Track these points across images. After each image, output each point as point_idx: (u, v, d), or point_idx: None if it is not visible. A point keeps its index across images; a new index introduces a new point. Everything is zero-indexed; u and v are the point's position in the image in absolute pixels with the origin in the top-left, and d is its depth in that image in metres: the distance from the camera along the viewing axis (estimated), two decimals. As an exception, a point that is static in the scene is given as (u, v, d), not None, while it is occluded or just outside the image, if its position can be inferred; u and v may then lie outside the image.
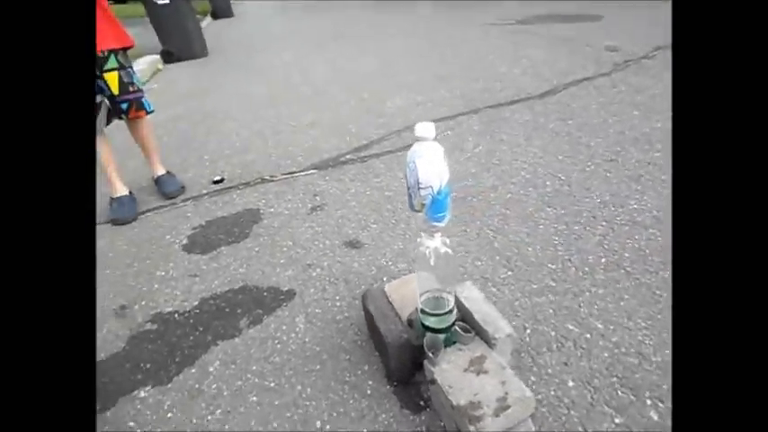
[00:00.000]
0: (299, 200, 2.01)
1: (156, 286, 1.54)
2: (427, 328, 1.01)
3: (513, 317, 1.23)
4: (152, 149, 2.20)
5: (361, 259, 1.55)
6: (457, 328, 1.02)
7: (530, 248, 1.49)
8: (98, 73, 1.82)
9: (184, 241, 1.79)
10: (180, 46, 5.46)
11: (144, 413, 1.10)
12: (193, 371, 1.20)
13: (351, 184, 2.10)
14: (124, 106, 1.95)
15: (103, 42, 1.79)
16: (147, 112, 2.05)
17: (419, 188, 0.91)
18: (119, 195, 2.05)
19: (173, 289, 1.52)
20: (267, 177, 2.26)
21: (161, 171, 2.23)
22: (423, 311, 1.01)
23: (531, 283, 1.35)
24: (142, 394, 1.15)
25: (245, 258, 1.63)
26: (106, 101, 1.94)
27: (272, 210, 1.95)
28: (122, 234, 1.90)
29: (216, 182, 2.29)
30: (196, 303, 1.44)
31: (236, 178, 2.30)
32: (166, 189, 2.16)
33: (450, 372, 0.95)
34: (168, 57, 5.49)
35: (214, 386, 1.15)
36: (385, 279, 1.42)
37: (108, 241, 1.85)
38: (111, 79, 1.86)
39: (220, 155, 2.61)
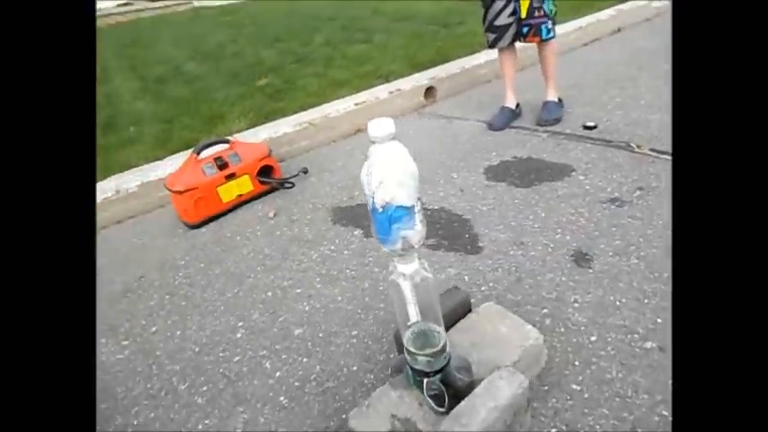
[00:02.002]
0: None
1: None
2: (417, 373, 0.81)
3: None
4: (549, 75, 2.21)
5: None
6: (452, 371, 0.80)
7: None
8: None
9: (485, 164, 1.93)
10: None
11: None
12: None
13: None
14: (524, 30, 2.03)
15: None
16: (542, 40, 2.03)
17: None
18: (505, 105, 2.31)
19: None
20: (634, 146, 1.82)
21: (549, 97, 2.25)
22: (409, 352, 0.80)
23: None
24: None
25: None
26: (514, 24, 2.08)
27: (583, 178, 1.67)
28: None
29: (587, 127, 2.07)
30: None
31: (610, 132, 1.98)
32: (542, 115, 2.21)
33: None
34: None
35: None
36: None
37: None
38: (524, 4, 1.96)
39: (620, 107, 2.22)
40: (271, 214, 1.90)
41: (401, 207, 0.65)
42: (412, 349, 0.80)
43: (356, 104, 2.65)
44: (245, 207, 2.02)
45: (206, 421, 1.03)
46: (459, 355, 0.85)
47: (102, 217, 2.15)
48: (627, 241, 1.29)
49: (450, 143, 2.22)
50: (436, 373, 0.80)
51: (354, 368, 1.08)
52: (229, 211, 1.99)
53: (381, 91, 2.80)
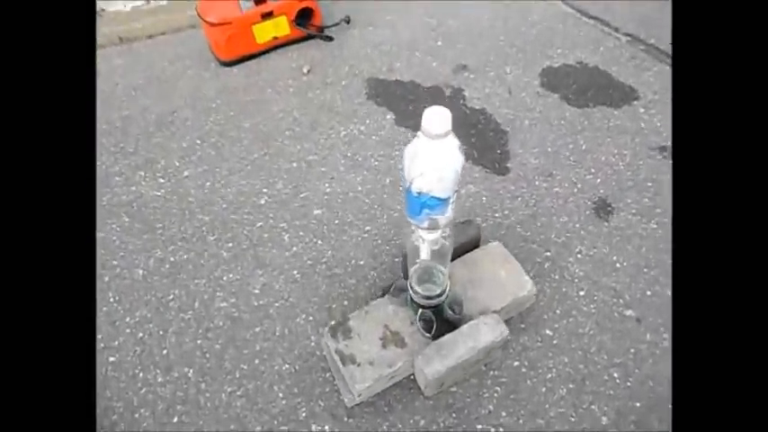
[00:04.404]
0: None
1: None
2: (415, 304, 0.89)
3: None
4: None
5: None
6: (446, 307, 0.89)
7: None
8: None
9: (545, 63, 1.69)
10: None
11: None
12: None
13: None
14: None
15: None
16: None
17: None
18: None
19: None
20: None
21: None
22: (411, 286, 0.87)
23: None
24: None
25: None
26: None
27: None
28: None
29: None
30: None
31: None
32: None
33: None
34: None
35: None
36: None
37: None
38: None
39: None
40: (305, 69, 1.76)
41: (436, 197, 0.61)
42: (415, 286, 0.86)
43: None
44: (279, 52, 1.85)
45: (230, 275, 1.17)
46: (455, 291, 0.92)
47: (132, 28, 2.00)
48: (656, 202, 1.24)
49: (516, 24, 1.90)
50: (431, 306, 0.88)
51: (362, 262, 1.17)
52: (263, 52, 1.84)
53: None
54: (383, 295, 0.97)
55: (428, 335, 0.88)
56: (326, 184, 1.36)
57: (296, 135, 1.51)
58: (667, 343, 0.99)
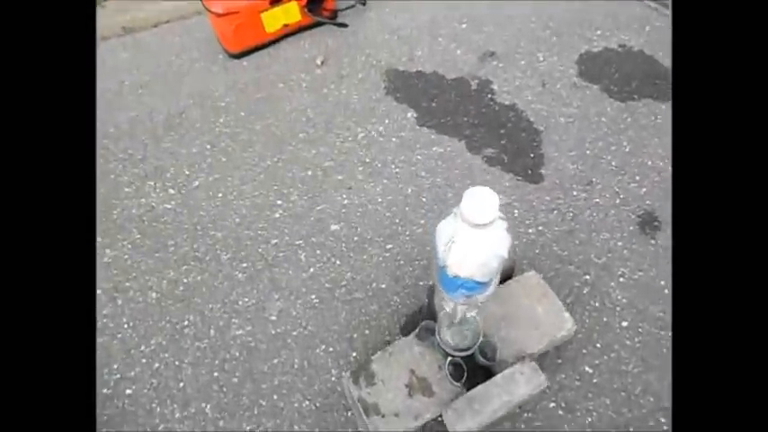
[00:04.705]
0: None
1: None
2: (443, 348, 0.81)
3: None
4: None
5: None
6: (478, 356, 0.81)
7: None
8: None
9: (584, 48, 1.51)
10: None
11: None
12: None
13: None
14: None
15: None
16: None
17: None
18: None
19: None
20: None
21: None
22: (439, 335, 0.79)
23: None
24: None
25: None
26: None
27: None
28: None
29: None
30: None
31: None
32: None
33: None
34: None
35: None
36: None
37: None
38: None
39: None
40: (318, 61, 1.63)
41: (476, 281, 0.51)
42: (444, 333, 0.78)
43: None
44: (290, 41, 1.72)
45: (245, 299, 1.11)
46: (487, 335, 0.84)
47: (136, 17, 1.89)
48: (710, 215, 1.11)
49: (549, 1, 1.70)
50: (461, 351, 0.80)
51: (383, 286, 1.09)
52: (273, 42, 1.71)
53: None
54: (406, 330, 0.90)
55: (458, 384, 0.80)
56: (344, 195, 1.26)
57: (310, 138, 1.41)
58: (723, 385, 0.89)
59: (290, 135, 1.43)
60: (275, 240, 1.20)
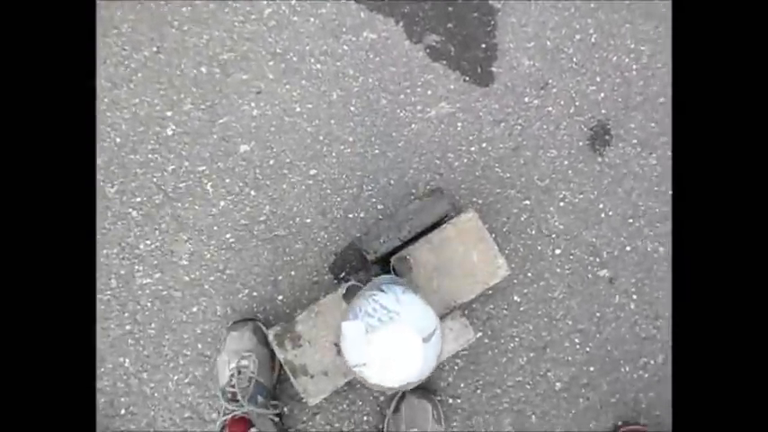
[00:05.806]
0: None
1: None
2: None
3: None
4: None
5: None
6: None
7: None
8: None
9: None
10: None
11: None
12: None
13: None
14: None
15: None
16: None
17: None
18: None
19: None
20: None
21: None
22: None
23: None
24: None
25: None
26: None
27: None
28: None
29: None
30: None
31: None
32: None
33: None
34: None
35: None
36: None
37: None
38: None
39: None
40: None
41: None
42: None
43: None
44: None
45: (147, 241, 0.94)
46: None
47: None
48: (663, 126, 1.00)
49: None
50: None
51: (308, 220, 0.96)
52: None
53: None
54: (336, 270, 0.82)
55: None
56: (252, 104, 1.00)
57: (198, 15, 1.03)
58: (634, 305, 0.95)
59: (169, 10, 1.03)
60: (172, 166, 0.98)
